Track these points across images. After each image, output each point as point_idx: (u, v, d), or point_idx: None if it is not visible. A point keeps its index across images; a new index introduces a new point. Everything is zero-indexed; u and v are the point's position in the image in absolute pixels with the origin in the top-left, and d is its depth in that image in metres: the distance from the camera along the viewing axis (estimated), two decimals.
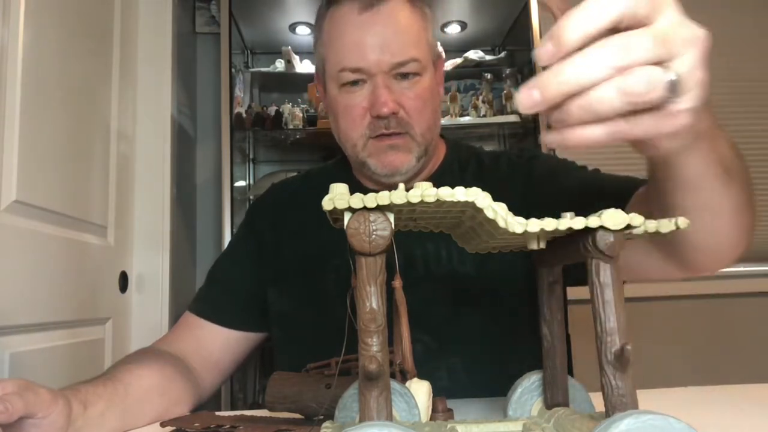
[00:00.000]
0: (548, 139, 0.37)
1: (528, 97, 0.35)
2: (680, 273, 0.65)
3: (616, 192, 0.68)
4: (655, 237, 0.41)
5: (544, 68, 0.35)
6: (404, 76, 0.77)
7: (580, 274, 0.48)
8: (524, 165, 0.86)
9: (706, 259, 0.61)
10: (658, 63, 0.35)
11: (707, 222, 0.53)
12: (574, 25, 0.34)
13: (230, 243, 0.96)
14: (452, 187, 0.38)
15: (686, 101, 0.36)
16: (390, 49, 0.75)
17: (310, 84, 2.07)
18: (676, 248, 0.61)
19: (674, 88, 0.35)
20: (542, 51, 0.35)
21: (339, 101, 0.80)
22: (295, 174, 1.04)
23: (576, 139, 0.36)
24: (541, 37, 1.95)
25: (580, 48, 0.34)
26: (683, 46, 0.35)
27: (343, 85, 0.78)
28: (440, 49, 0.90)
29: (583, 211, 0.39)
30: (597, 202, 0.45)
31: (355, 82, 0.77)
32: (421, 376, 0.49)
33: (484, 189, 0.38)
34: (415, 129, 0.78)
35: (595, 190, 0.73)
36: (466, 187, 0.38)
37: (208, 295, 0.87)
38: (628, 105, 0.35)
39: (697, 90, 0.37)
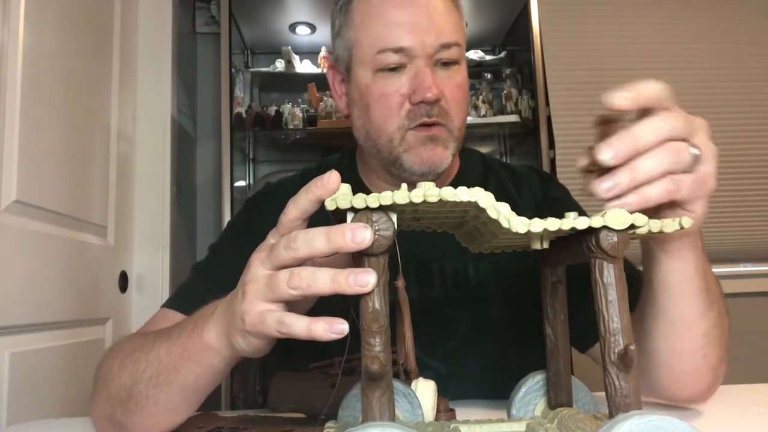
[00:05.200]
0: (610, 205, 0.42)
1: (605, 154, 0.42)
2: (647, 394, 0.63)
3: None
4: (659, 236, 0.41)
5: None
6: (445, 64, 0.72)
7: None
8: (543, 184, 0.86)
9: (670, 383, 0.60)
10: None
11: (677, 339, 0.57)
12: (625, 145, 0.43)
13: (220, 241, 0.86)
14: None
15: (709, 165, 0.46)
16: (436, 28, 0.70)
17: (310, 84, 2.07)
18: (643, 363, 0.60)
19: (697, 157, 0.45)
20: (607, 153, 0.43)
21: (373, 89, 0.72)
22: (292, 174, 0.96)
23: (637, 200, 0.43)
24: (541, 37, 1.95)
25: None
26: (697, 128, 0.46)
27: (378, 71, 0.71)
28: None
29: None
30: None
31: (394, 68, 0.71)
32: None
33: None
34: (454, 122, 0.73)
35: None
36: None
37: (193, 291, 0.77)
38: (664, 170, 0.43)
39: (714, 159, 0.46)
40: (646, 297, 0.58)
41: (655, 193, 0.43)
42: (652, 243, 0.53)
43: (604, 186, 0.42)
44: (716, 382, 0.61)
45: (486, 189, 0.38)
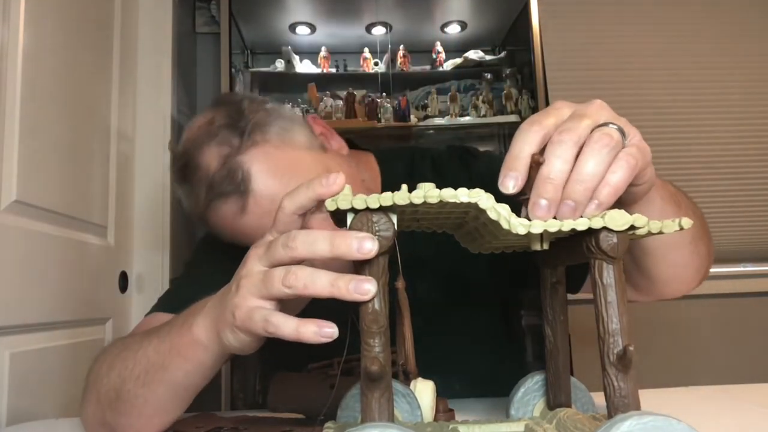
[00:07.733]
0: (594, 221, 0.38)
1: (540, 207, 0.39)
2: (645, 299, 0.69)
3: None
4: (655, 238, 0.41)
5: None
6: None
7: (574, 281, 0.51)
8: (464, 165, 0.84)
9: (671, 288, 0.66)
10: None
11: (671, 255, 0.60)
12: (518, 157, 0.41)
13: (194, 257, 0.88)
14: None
15: (635, 133, 0.43)
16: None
17: (310, 84, 2.07)
18: (642, 282, 0.65)
19: (622, 130, 0.41)
20: (509, 185, 0.41)
21: None
22: None
23: (610, 197, 0.40)
24: (541, 37, 1.95)
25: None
26: (597, 110, 0.43)
27: None
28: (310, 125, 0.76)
29: None
30: None
31: None
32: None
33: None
34: None
35: None
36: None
37: (183, 294, 0.72)
38: (609, 160, 0.40)
39: (632, 126, 0.43)
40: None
41: (620, 176, 0.40)
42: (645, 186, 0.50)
43: (537, 213, 0.39)
44: (709, 266, 0.68)
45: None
